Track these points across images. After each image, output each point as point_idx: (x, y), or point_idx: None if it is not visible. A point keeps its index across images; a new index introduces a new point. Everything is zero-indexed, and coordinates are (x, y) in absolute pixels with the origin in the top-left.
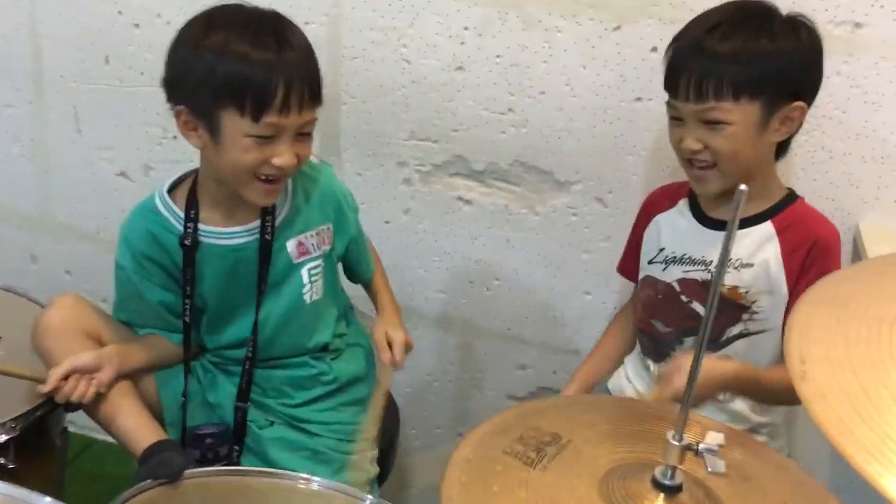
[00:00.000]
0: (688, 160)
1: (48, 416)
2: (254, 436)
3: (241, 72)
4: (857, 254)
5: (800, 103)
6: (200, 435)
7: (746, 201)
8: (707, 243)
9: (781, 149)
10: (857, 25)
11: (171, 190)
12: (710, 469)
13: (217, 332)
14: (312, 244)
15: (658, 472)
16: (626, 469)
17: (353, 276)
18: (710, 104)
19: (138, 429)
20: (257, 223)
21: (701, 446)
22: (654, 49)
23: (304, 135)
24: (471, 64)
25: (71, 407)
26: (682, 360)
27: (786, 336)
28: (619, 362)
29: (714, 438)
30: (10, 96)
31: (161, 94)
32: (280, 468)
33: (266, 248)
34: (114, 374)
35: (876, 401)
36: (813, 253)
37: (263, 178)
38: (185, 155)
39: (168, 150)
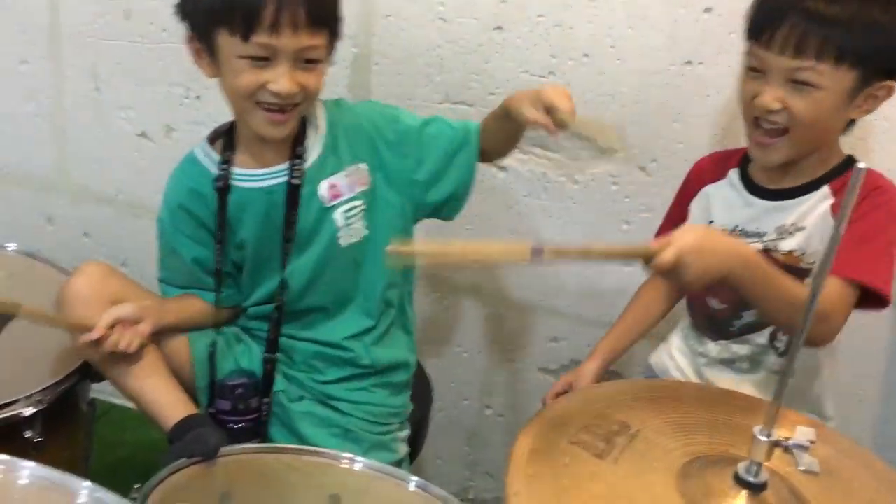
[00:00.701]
0: (756, 119)
1: (75, 387)
2: (283, 408)
3: None
4: None
5: (890, 83)
6: (230, 385)
7: (805, 170)
8: (760, 215)
9: (849, 124)
10: None
11: (213, 140)
12: (801, 467)
13: (254, 286)
14: (346, 184)
15: (742, 468)
16: (703, 463)
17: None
18: (808, 63)
19: (168, 402)
20: (284, 166)
21: (791, 442)
22: (708, 10)
23: (309, 61)
24: (511, 24)
25: (97, 377)
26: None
27: None
28: (642, 336)
29: (805, 434)
30: (25, 51)
31: (184, 52)
32: (309, 444)
33: (293, 192)
34: (153, 327)
35: None
36: (865, 199)
37: (265, 106)
38: (210, 116)
39: (191, 109)
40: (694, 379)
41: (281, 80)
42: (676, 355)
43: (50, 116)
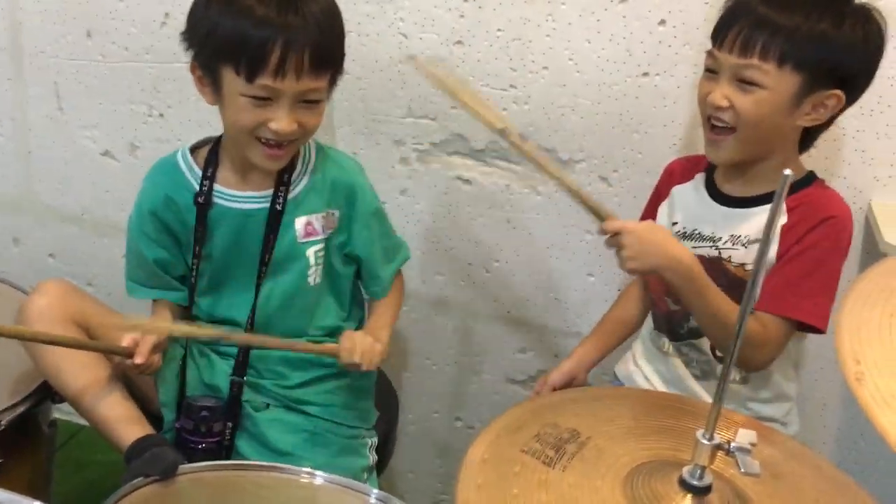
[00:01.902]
0: (708, 118)
1: (35, 408)
2: (250, 418)
3: (239, 30)
4: (870, 232)
5: (838, 92)
6: (196, 406)
7: (763, 180)
8: (717, 220)
9: (807, 140)
10: None
11: (195, 149)
12: (743, 470)
13: (214, 301)
14: (321, 225)
15: (686, 472)
16: (650, 468)
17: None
18: (753, 61)
19: (124, 423)
20: (271, 191)
21: (733, 445)
22: (662, 22)
23: (309, 102)
24: (471, 38)
25: (59, 398)
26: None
27: (836, 334)
28: (621, 341)
29: (746, 437)
30: None
31: (146, 70)
32: (278, 450)
33: (275, 218)
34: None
35: None
36: (815, 229)
37: (264, 141)
38: (173, 133)
39: (154, 128)
40: (660, 386)
41: (281, 119)
42: (641, 361)
43: (14, 137)
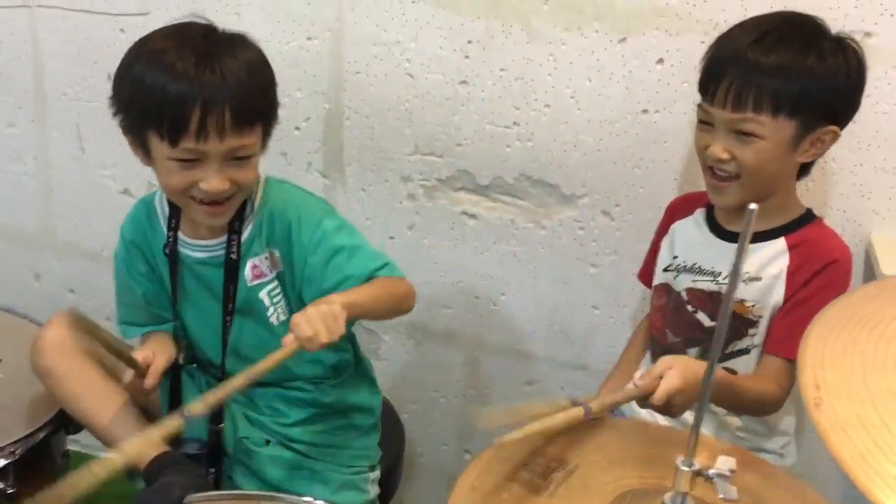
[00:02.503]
0: (710, 168)
1: (49, 439)
2: (249, 454)
3: (158, 94)
4: (870, 266)
5: (833, 127)
6: (178, 455)
7: (762, 217)
8: (718, 255)
9: (803, 169)
10: (867, 35)
11: None
12: (721, 495)
13: (194, 346)
14: (267, 266)
15: (668, 498)
16: (634, 495)
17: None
18: (748, 115)
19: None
20: (221, 240)
21: (712, 472)
22: (661, 61)
23: (238, 159)
24: (475, 78)
25: (73, 428)
26: (662, 369)
27: (800, 360)
28: None
29: (725, 463)
30: (12, 115)
31: None
32: (276, 487)
33: (232, 266)
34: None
35: None
36: (820, 273)
37: (199, 200)
38: None
39: None
40: (660, 418)
41: (211, 179)
42: None
43: (36, 176)
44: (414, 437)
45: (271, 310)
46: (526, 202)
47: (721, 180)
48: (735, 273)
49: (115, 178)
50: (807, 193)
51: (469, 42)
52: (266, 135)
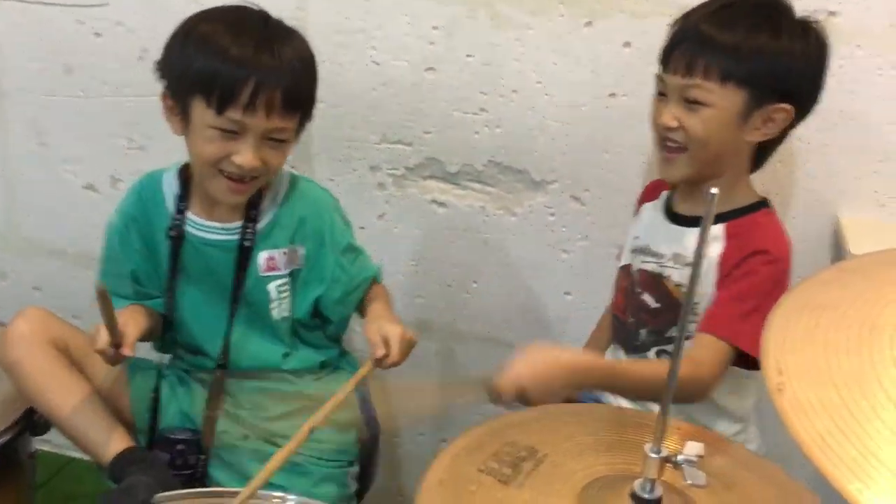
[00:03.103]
0: (661, 139)
1: (15, 441)
2: (228, 449)
3: (214, 64)
4: (838, 247)
5: (786, 105)
6: (172, 440)
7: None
8: (667, 237)
9: (759, 159)
10: (832, 14)
11: (185, 168)
12: (688, 481)
13: (187, 331)
14: (283, 261)
15: (637, 485)
16: (604, 483)
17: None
18: (696, 81)
19: (105, 436)
20: (236, 225)
21: (680, 457)
22: (627, 44)
23: (275, 141)
24: (441, 64)
25: (38, 430)
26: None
27: (762, 345)
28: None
29: (693, 448)
30: None
31: (125, 104)
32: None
33: (244, 254)
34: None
35: (858, 415)
36: (746, 260)
37: (227, 174)
38: (154, 164)
39: (135, 160)
40: (622, 400)
41: (245, 154)
42: None
43: None
44: (391, 426)
45: (275, 303)
46: (496, 189)
47: (671, 152)
48: (697, 258)
49: (77, 174)
50: (773, 175)
51: (434, 28)
52: (301, 126)
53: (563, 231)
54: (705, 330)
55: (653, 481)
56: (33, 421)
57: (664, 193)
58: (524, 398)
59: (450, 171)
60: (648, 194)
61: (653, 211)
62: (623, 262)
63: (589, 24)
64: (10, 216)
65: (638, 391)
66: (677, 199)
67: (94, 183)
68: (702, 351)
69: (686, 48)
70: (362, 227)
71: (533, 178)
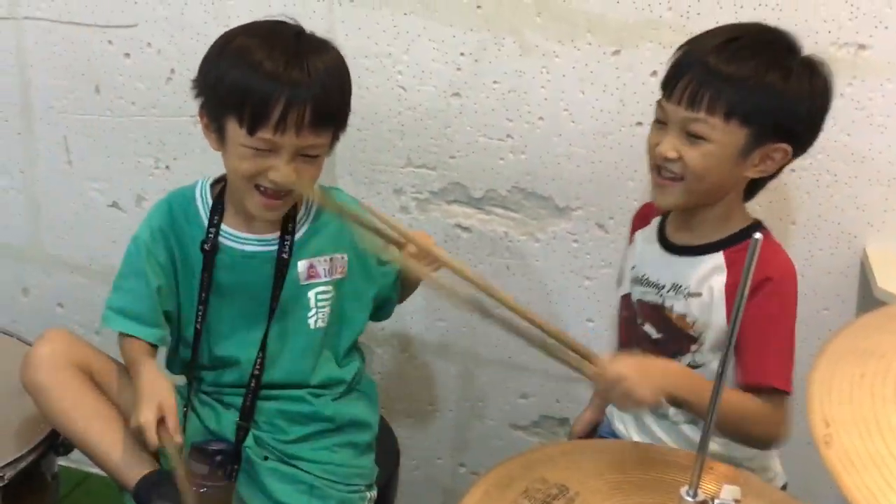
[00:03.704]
0: (657, 167)
1: (39, 461)
2: (251, 463)
3: (245, 83)
4: (865, 279)
5: (785, 146)
6: (211, 450)
7: (703, 229)
8: (662, 266)
9: (751, 190)
10: (861, 47)
11: (216, 183)
12: None
13: (216, 342)
14: (324, 269)
15: None
16: None
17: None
18: (700, 115)
19: (129, 459)
20: (274, 236)
21: (717, 502)
22: (654, 73)
23: (309, 156)
24: (467, 90)
25: (63, 450)
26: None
27: (807, 395)
28: None
29: (730, 493)
30: None
31: (152, 123)
32: (277, 500)
33: (283, 266)
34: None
35: None
36: (755, 293)
37: (262, 189)
38: (179, 184)
39: (160, 179)
40: (631, 427)
41: (280, 169)
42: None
43: (24, 190)
44: (408, 450)
45: (313, 311)
46: (519, 214)
47: (665, 179)
48: (740, 299)
49: (104, 192)
50: (800, 206)
51: (461, 54)
52: (335, 139)
53: (586, 258)
54: (759, 381)
55: None
56: (57, 441)
57: (655, 221)
58: (625, 388)
59: (474, 195)
60: (640, 221)
61: (645, 240)
62: (623, 292)
63: (616, 52)
64: (35, 232)
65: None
66: (670, 228)
67: (118, 201)
68: (776, 408)
69: (691, 79)
70: None
71: (557, 205)
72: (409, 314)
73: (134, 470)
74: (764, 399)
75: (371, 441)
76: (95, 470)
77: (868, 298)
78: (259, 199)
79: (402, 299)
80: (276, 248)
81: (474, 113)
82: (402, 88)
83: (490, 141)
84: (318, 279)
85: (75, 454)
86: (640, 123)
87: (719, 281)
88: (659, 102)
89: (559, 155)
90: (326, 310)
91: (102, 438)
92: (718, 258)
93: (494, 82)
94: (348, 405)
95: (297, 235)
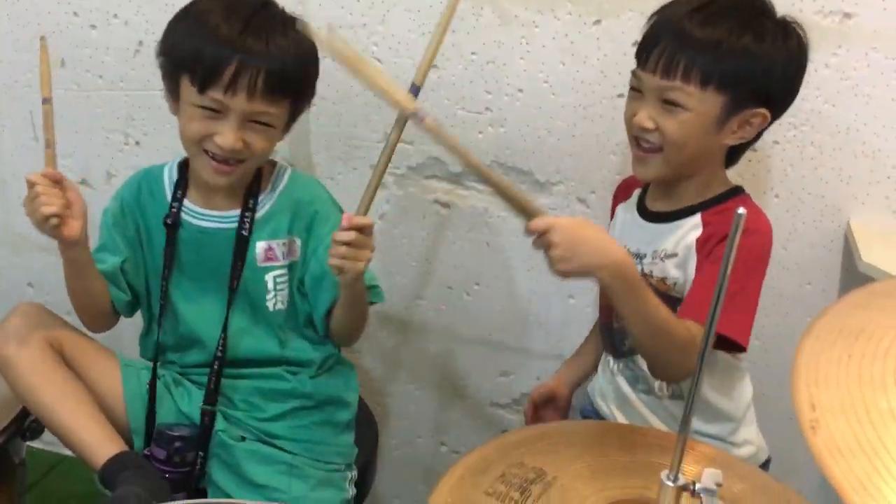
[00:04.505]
0: (635, 138)
1: (6, 445)
2: (226, 447)
3: (201, 43)
4: (849, 252)
5: (763, 110)
6: (169, 435)
7: (683, 196)
8: (643, 236)
9: (732, 156)
10: (847, 15)
11: (186, 160)
12: None
13: (180, 320)
14: (282, 252)
15: None
16: None
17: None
18: (675, 83)
19: (97, 439)
20: (234, 213)
21: (698, 486)
22: (636, 43)
23: (259, 124)
24: (445, 62)
25: (30, 435)
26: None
27: (792, 376)
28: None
29: (712, 477)
30: None
31: (121, 98)
32: (254, 482)
33: (242, 243)
34: (81, 226)
35: None
36: (723, 241)
37: (211, 155)
38: (149, 161)
39: (130, 155)
40: (612, 405)
41: (227, 135)
42: (599, 383)
43: None
44: (388, 430)
45: (271, 294)
46: None
47: (645, 151)
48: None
49: (72, 169)
50: (784, 179)
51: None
52: (292, 116)
53: None
54: (689, 317)
55: None
56: (24, 426)
57: (636, 193)
58: (549, 244)
59: (453, 171)
60: (620, 195)
61: (626, 212)
62: None
63: (597, 22)
64: (4, 212)
65: (646, 317)
66: (650, 198)
67: (88, 178)
68: (694, 341)
69: (665, 46)
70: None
71: (538, 180)
72: (387, 292)
73: (102, 449)
74: (698, 333)
75: (350, 420)
76: (68, 453)
77: (851, 272)
78: (208, 163)
79: (351, 320)
80: (235, 225)
81: (452, 85)
82: (378, 60)
83: (468, 114)
84: (275, 262)
85: (47, 436)
86: (621, 95)
87: (693, 236)
88: (634, 72)
89: (539, 128)
90: (285, 292)
91: (71, 417)
92: (696, 219)
93: (472, 53)
94: (326, 383)
95: (259, 214)
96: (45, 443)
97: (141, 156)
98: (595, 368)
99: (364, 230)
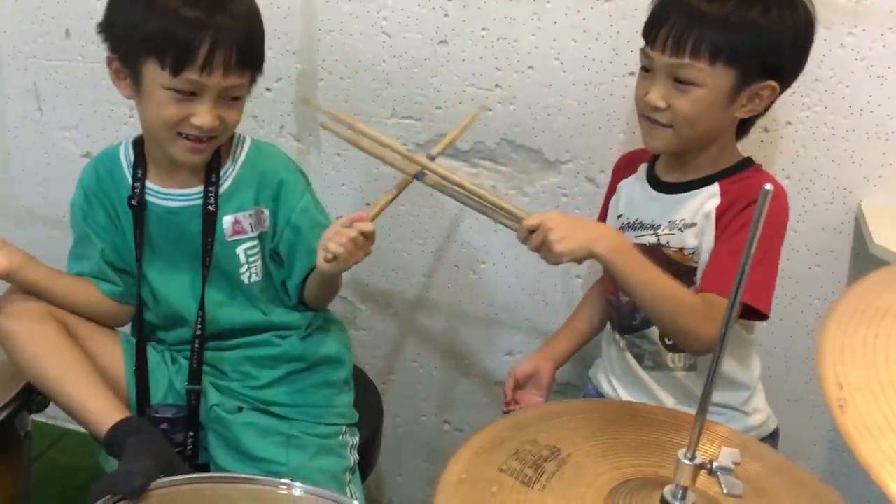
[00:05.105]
0: (646, 117)
1: (12, 418)
2: (222, 422)
3: (167, 25)
4: (860, 233)
5: (772, 83)
6: (156, 418)
7: (698, 168)
8: (657, 207)
9: (743, 128)
10: None
11: (139, 142)
12: (725, 491)
13: (159, 300)
14: (251, 223)
15: (668, 491)
16: (632, 487)
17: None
18: (685, 61)
19: (100, 406)
20: (198, 189)
21: (715, 465)
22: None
23: (233, 98)
24: (455, 37)
25: (36, 407)
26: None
27: (818, 356)
28: (589, 337)
29: (729, 456)
30: None
31: None
32: (252, 455)
33: (210, 219)
34: (8, 263)
35: None
36: (747, 208)
37: (185, 136)
38: None
39: (135, 129)
40: (617, 384)
41: (204, 115)
42: (604, 362)
43: None
44: (392, 407)
45: (244, 268)
46: (508, 168)
47: (655, 125)
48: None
49: (76, 141)
50: (796, 160)
51: None
52: (253, 81)
53: (576, 212)
54: (711, 289)
55: (685, 489)
56: (30, 399)
57: (643, 166)
58: (545, 236)
59: (461, 148)
60: (622, 171)
61: (634, 184)
62: None
63: None
64: (7, 184)
65: (651, 287)
66: (662, 170)
67: (92, 151)
68: (713, 310)
69: (673, 24)
70: (368, 204)
71: (547, 158)
72: (393, 269)
73: (108, 417)
74: (717, 304)
75: (347, 378)
76: (72, 426)
77: (863, 255)
78: (184, 144)
79: (324, 290)
80: (201, 201)
81: (462, 62)
82: (387, 35)
83: (478, 91)
84: (243, 235)
85: (51, 409)
86: (633, 73)
87: (711, 205)
88: (643, 50)
89: (549, 106)
90: (258, 264)
91: (75, 387)
92: (714, 188)
93: (483, 29)
94: (317, 343)
95: (223, 188)
96: (48, 417)
97: None
98: (581, 346)
99: (368, 236)
